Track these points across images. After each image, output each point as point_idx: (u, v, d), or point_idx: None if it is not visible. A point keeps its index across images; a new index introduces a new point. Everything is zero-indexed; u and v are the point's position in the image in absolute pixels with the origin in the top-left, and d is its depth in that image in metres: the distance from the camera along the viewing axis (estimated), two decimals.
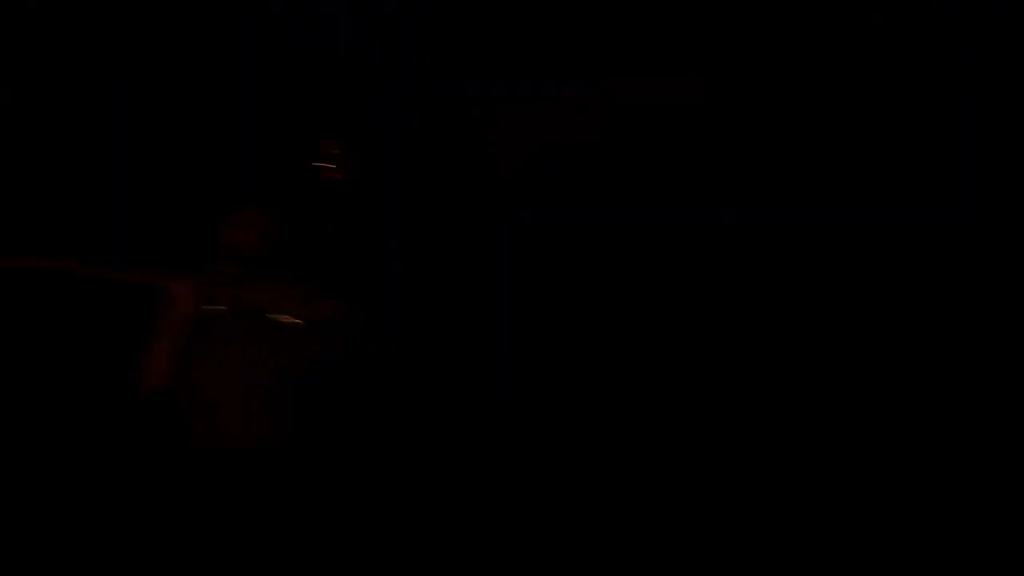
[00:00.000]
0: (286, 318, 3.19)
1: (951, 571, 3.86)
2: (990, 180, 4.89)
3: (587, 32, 4.93)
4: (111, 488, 3.99)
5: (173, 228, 4.73)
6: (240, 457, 3.11)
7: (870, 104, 4.98)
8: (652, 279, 4.92)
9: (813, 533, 4.05)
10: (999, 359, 4.73)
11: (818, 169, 4.96)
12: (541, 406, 4.52)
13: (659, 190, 4.94)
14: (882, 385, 4.74)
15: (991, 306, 4.82)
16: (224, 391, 3.10)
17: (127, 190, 4.70)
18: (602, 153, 5.05)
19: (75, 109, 4.68)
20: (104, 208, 4.65)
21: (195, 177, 4.75)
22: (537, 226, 4.92)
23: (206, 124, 4.78)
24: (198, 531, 3.13)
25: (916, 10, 4.93)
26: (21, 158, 4.59)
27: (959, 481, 4.29)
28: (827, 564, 3.96)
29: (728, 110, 4.98)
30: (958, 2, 4.88)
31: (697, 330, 4.85)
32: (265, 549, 3.13)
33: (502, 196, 4.93)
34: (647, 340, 4.75)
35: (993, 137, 4.90)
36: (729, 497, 4.30)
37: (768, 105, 5.00)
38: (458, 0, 4.86)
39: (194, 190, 4.76)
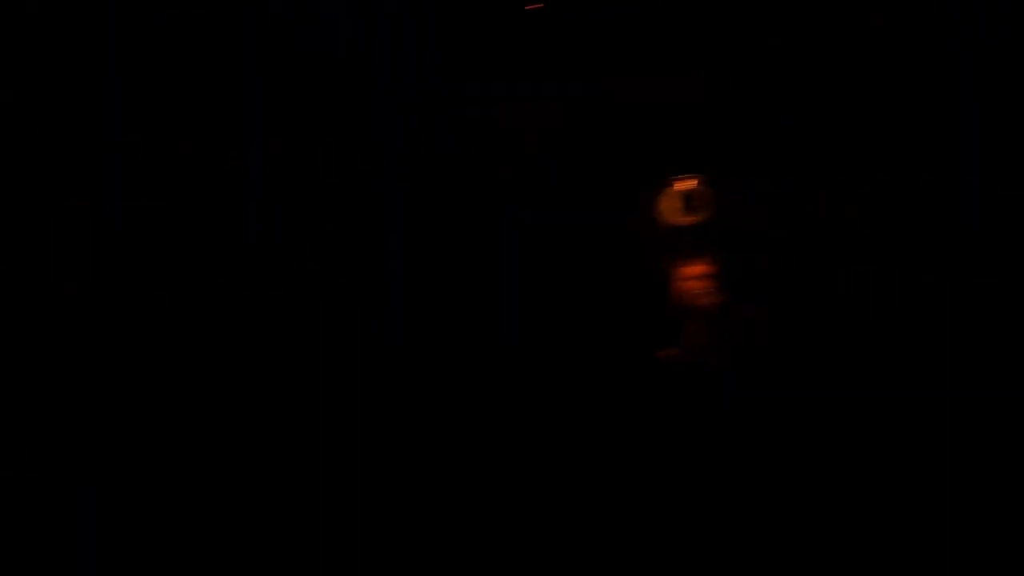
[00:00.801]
0: None
1: None
2: (990, 180, 4.89)
3: (587, 32, 4.93)
4: None
5: (173, 226, 4.74)
6: None
7: (870, 104, 4.98)
8: (651, 278, 4.92)
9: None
10: (998, 361, 4.73)
11: (818, 169, 4.96)
12: (540, 406, 4.53)
13: (658, 189, 4.94)
14: (882, 387, 4.74)
15: (991, 307, 4.82)
16: None
17: (127, 190, 4.71)
18: (602, 153, 5.05)
19: (75, 109, 4.69)
20: (104, 208, 4.66)
21: (195, 176, 4.76)
22: (537, 226, 4.93)
23: (206, 124, 4.79)
24: None
25: (916, 10, 4.93)
26: (21, 158, 4.60)
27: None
28: None
29: (728, 110, 4.99)
30: (958, 2, 4.88)
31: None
32: None
33: (502, 196, 4.93)
34: (646, 340, 4.75)
35: (993, 137, 4.90)
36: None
37: (768, 105, 5.00)
38: (458, 0, 4.86)
39: (194, 189, 4.76)
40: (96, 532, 4.30)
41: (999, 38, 4.89)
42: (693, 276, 4.75)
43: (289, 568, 4.39)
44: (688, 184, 4.39)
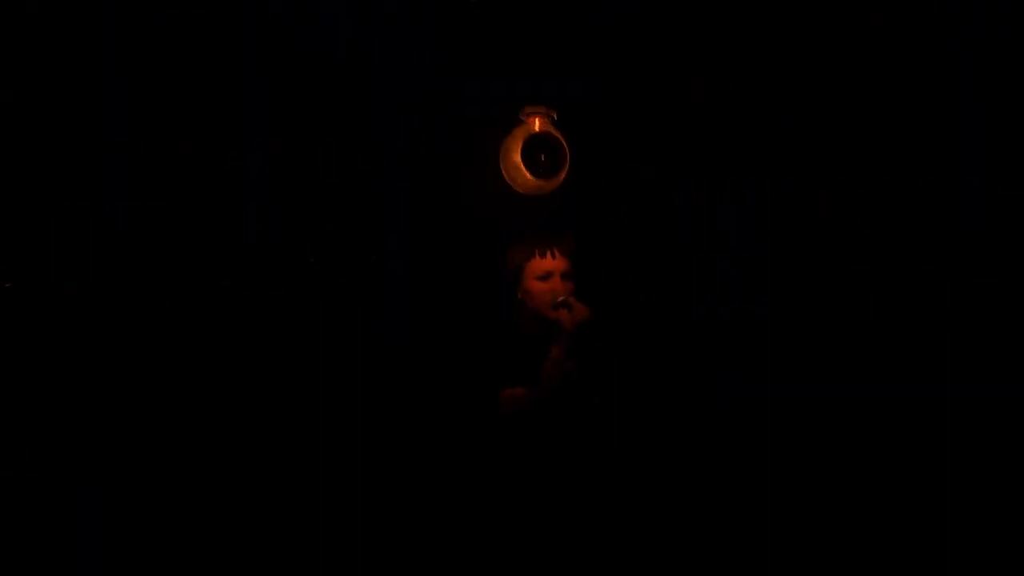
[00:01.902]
0: None
1: None
2: (990, 180, 4.89)
3: (587, 32, 4.93)
4: None
5: (173, 226, 4.74)
6: None
7: (870, 104, 4.98)
8: (651, 278, 4.93)
9: None
10: (998, 361, 4.73)
11: (818, 169, 4.97)
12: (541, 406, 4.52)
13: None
14: (882, 387, 4.74)
15: (991, 307, 4.83)
16: None
17: (127, 189, 4.71)
18: (603, 152, 5.05)
19: (75, 109, 4.69)
20: (103, 207, 4.66)
21: (195, 176, 4.76)
22: (537, 226, 4.92)
23: (206, 124, 4.79)
24: None
25: (916, 10, 4.93)
26: (21, 158, 4.59)
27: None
28: None
29: (728, 110, 4.99)
30: (958, 2, 4.88)
31: (697, 331, 4.86)
32: None
33: (502, 196, 4.92)
34: (644, 339, 4.76)
35: (993, 137, 4.90)
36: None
37: (768, 105, 5.00)
38: (458, 0, 4.86)
39: (194, 189, 4.76)
40: (96, 532, 4.30)
41: (999, 38, 4.89)
42: (543, 275, 4.14)
43: (289, 568, 4.40)
44: (533, 125, 3.32)
